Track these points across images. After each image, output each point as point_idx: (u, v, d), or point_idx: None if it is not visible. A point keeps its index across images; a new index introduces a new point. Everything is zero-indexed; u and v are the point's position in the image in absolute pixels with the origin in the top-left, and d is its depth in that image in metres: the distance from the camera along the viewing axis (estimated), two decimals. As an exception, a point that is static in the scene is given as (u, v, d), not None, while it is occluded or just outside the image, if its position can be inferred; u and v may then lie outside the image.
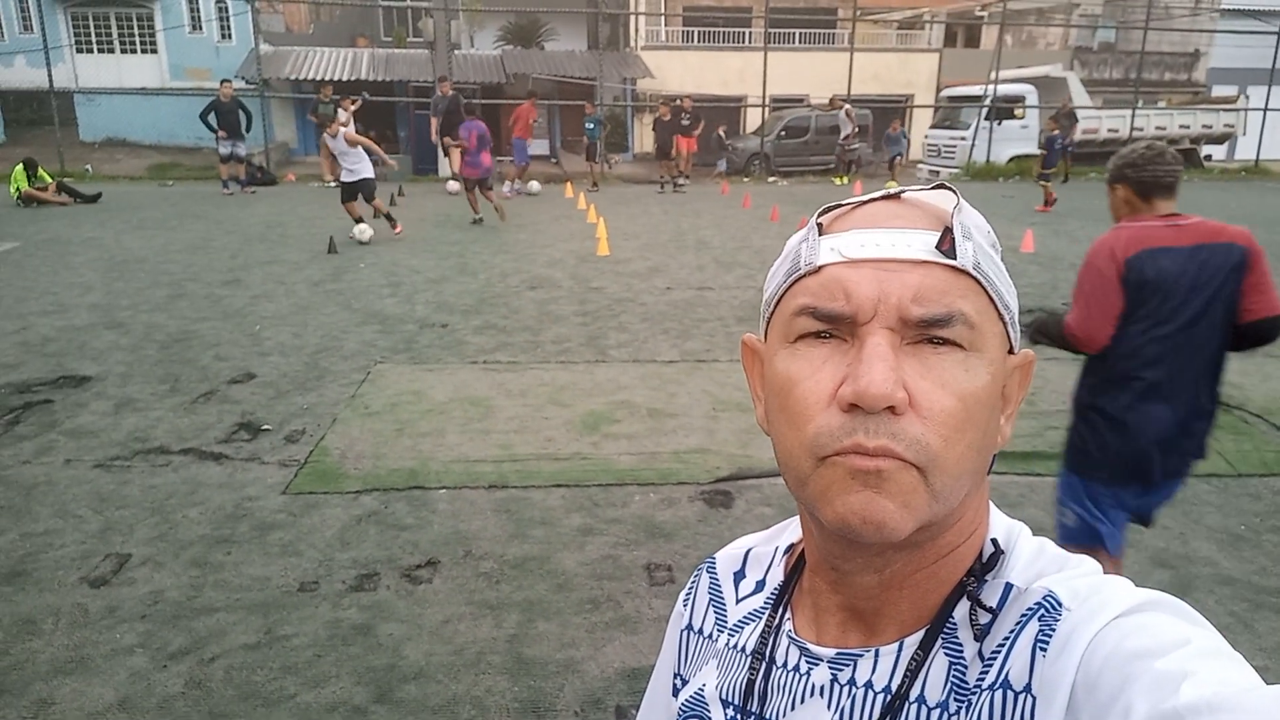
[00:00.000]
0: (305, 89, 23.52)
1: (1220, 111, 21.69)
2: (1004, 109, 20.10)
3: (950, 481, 0.58)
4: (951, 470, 0.58)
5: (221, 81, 17.47)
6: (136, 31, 28.59)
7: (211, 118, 16.05)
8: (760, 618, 0.75)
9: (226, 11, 27.55)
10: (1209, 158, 21.78)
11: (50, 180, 14.09)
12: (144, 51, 28.72)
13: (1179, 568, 3.75)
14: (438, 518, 4.13)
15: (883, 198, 0.64)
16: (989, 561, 0.65)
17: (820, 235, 0.63)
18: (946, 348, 0.59)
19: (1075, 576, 0.61)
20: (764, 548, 0.81)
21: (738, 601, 0.79)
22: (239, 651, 3.14)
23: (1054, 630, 0.57)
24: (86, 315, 7.45)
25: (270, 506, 4.22)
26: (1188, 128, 20.86)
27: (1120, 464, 2.89)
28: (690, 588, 0.85)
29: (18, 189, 13.76)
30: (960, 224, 0.60)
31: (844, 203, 0.65)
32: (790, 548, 0.79)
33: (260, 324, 7.28)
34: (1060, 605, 0.58)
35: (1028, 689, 0.57)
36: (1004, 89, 20.46)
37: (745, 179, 21.17)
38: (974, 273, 0.60)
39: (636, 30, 27.95)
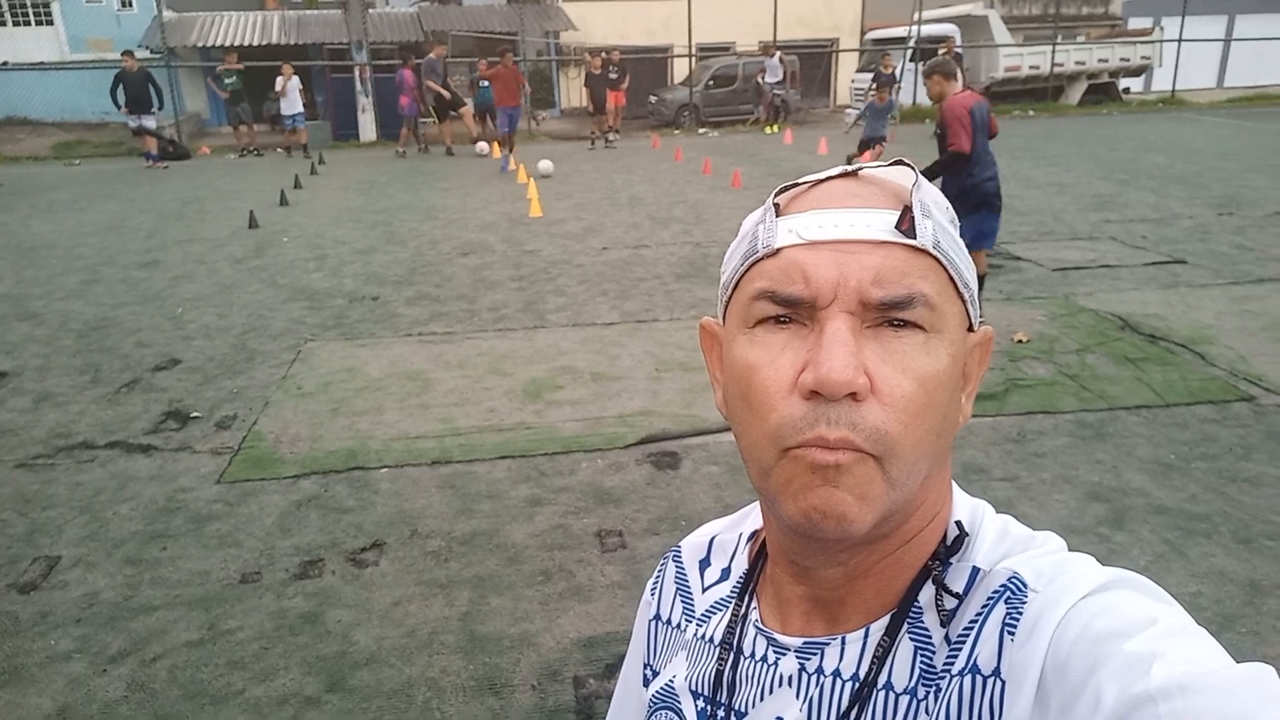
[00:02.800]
0: (213, 56, 22.56)
1: (1136, 44, 22.10)
2: (928, 50, 20.18)
3: (907, 469, 0.57)
4: (908, 457, 0.57)
5: (123, 53, 16.70)
6: (29, 3, 27.07)
7: (120, 92, 15.39)
8: (726, 607, 0.75)
9: (125, -23, 26.24)
10: (1127, 90, 22.21)
11: None
12: (39, 23, 27.24)
13: (1112, 500, 3.85)
14: (380, 498, 4.05)
15: (839, 175, 0.63)
16: (953, 544, 0.64)
17: (777, 216, 0.61)
18: (907, 330, 0.57)
19: (1039, 556, 0.61)
20: (728, 535, 0.81)
21: (704, 590, 0.79)
22: (182, 649, 3.06)
23: (1021, 613, 0.56)
24: (-4, 306, 7.11)
25: (205, 497, 4.10)
26: (1106, 61, 21.22)
27: (996, 200, 6.02)
28: (657, 577, 0.84)
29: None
30: (919, 202, 0.59)
31: (800, 181, 0.64)
32: (754, 534, 0.78)
33: (182, 306, 7.03)
34: (1026, 586, 0.58)
35: (996, 673, 0.56)
36: (927, 29, 20.53)
37: (676, 131, 21.00)
38: (934, 252, 0.58)
39: (557, -18, 27.29)
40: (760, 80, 20.56)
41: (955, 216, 0.64)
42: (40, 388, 5.43)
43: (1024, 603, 0.57)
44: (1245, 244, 8.15)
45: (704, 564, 0.81)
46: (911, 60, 20.40)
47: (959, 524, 0.65)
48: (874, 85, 14.28)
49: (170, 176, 14.60)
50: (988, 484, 4.03)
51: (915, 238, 0.58)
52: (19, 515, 3.97)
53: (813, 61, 25.73)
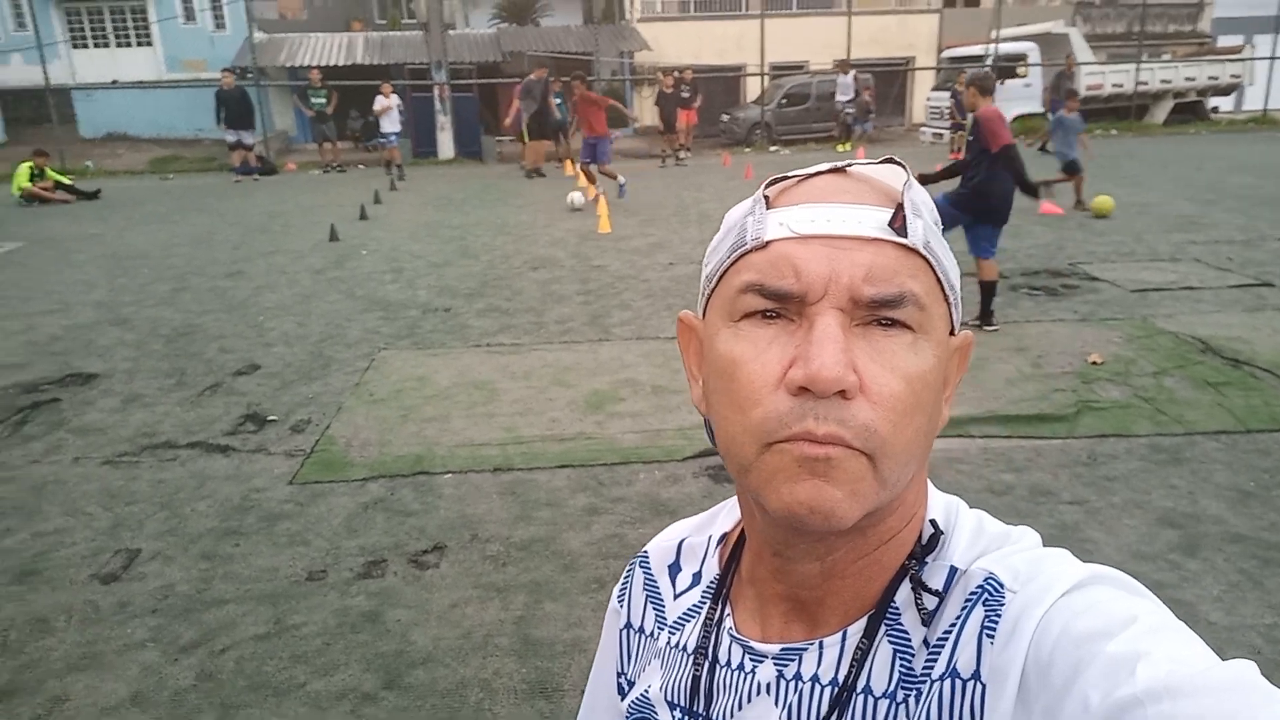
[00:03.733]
0: (301, 76, 23.37)
1: (1226, 62, 21.38)
2: (1006, 68, 19.84)
3: (898, 468, 0.57)
4: (900, 456, 0.57)
5: (223, 71, 17.45)
6: (131, 24, 28.48)
7: (221, 109, 16.13)
8: (699, 614, 0.74)
9: (219, 1, 27.38)
10: (1215, 109, 21.48)
11: (53, 177, 14.09)
12: (139, 44, 28.64)
13: (1186, 527, 3.73)
14: (444, 502, 4.14)
15: (830, 170, 0.62)
16: (929, 543, 0.64)
17: (767, 209, 0.60)
18: (896, 329, 0.57)
19: (1014, 553, 0.60)
20: (697, 538, 0.79)
21: (675, 597, 0.77)
22: (249, 642, 3.17)
23: (1000, 615, 0.56)
24: (91, 313, 7.47)
25: (277, 497, 4.24)
26: (1193, 80, 20.58)
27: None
28: (624, 584, 0.83)
29: (20, 188, 13.77)
30: (910, 201, 0.58)
31: (790, 174, 0.63)
32: (724, 536, 0.76)
33: (264, 315, 7.29)
34: (1003, 587, 0.58)
35: (976, 675, 0.56)
36: (1005, 48, 20.20)
37: (747, 149, 21.01)
38: (924, 252, 0.58)
39: (632, 2, 27.66)
40: (839, 99, 20.45)
41: (940, 219, 0.63)
42: (129, 389, 5.69)
43: (1002, 604, 0.57)
44: (1339, 267, 7.81)
45: (674, 569, 0.79)
46: (989, 78, 20.06)
47: (934, 523, 0.65)
48: (1058, 96, 14.24)
49: (257, 191, 15.17)
50: (1055, 507, 3.94)
51: (907, 236, 0.57)
52: (104, 509, 4.17)
53: (888, 80, 25.54)
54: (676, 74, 17.80)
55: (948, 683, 0.57)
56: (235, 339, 6.67)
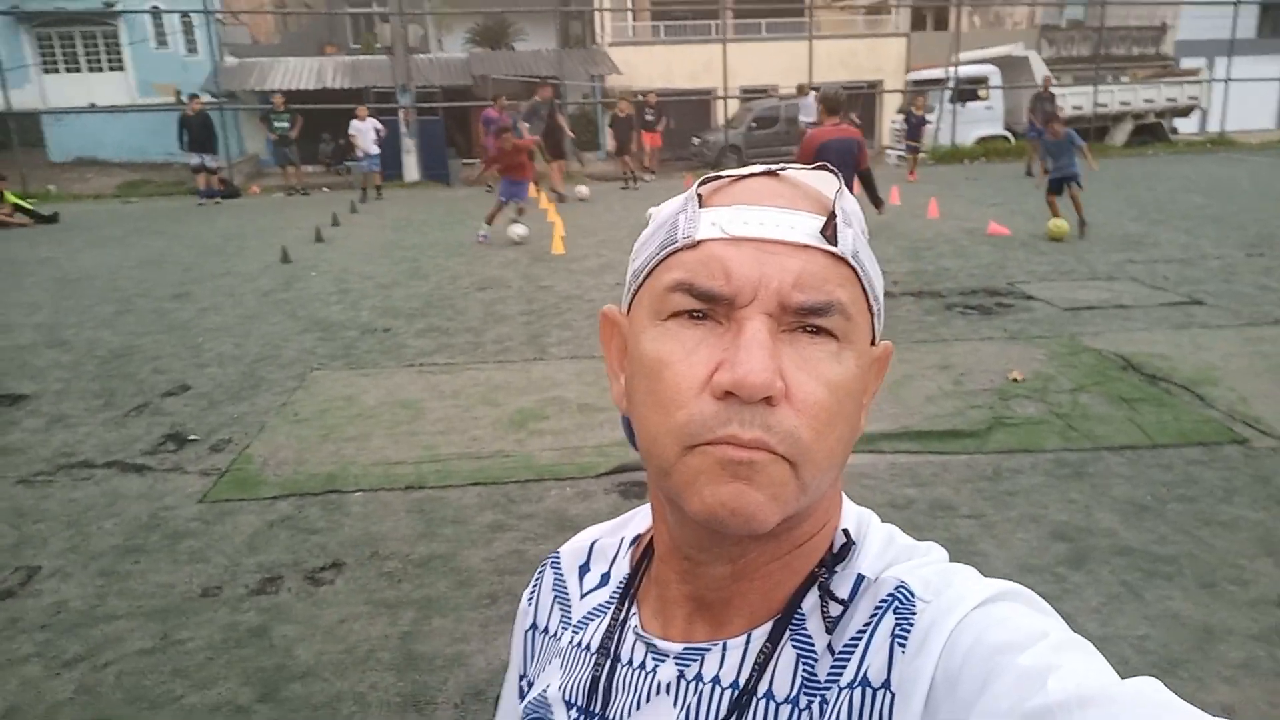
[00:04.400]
0: (270, 100, 23.42)
1: (1183, 84, 21.79)
2: (967, 91, 20.15)
3: (819, 474, 0.58)
4: (821, 463, 0.57)
5: (190, 96, 17.50)
6: (103, 49, 28.49)
7: (184, 133, 16.16)
8: (605, 613, 0.73)
9: (191, 26, 27.44)
10: (1174, 130, 21.85)
11: (11, 201, 14.06)
12: (111, 69, 28.64)
13: (1077, 540, 3.79)
14: (350, 520, 4.16)
15: (764, 173, 0.62)
16: (840, 552, 0.64)
17: (700, 207, 0.60)
18: (821, 337, 0.57)
19: (924, 565, 0.61)
20: (609, 539, 0.79)
21: (582, 596, 0.77)
22: (133, 657, 3.17)
23: (911, 624, 0.56)
24: (30, 334, 7.46)
25: (185, 515, 4.24)
26: (1152, 101, 20.96)
27: None
28: (534, 585, 0.82)
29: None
30: (841, 209, 0.59)
31: (723, 174, 0.62)
32: (637, 539, 0.76)
33: (203, 336, 7.30)
34: (913, 596, 0.58)
35: (886, 685, 0.56)
36: (967, 70, 20.51)
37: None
38: (852, 262, 0.59)
39: (603, 27, 27.93)
40: (802, 120, 20.67)
41: (866, 227, 0.64)
42: (56, 410, 5.68)
43: (914, 613, 0.57)
44: (1271, 284, 7.96)
45: (583, 569, 0.79)
46: (950, 101, 20.35)
47: (845, 532, 0.65)
48: (1034, 118, 14.50)
49: (218, 214, 15.17)
50: (952, 521, 3.99)
51: (837, 245, 0.58)
52: (11, 528, 4.16)
53: (855, 104, 25.84)
54: (640, 97, 17.96)
55: (857, 691, 0.57)
56: (170, 359, 6.66)
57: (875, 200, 7.62)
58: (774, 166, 0.62)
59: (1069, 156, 10.48)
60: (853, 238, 0.59)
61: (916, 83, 22.19)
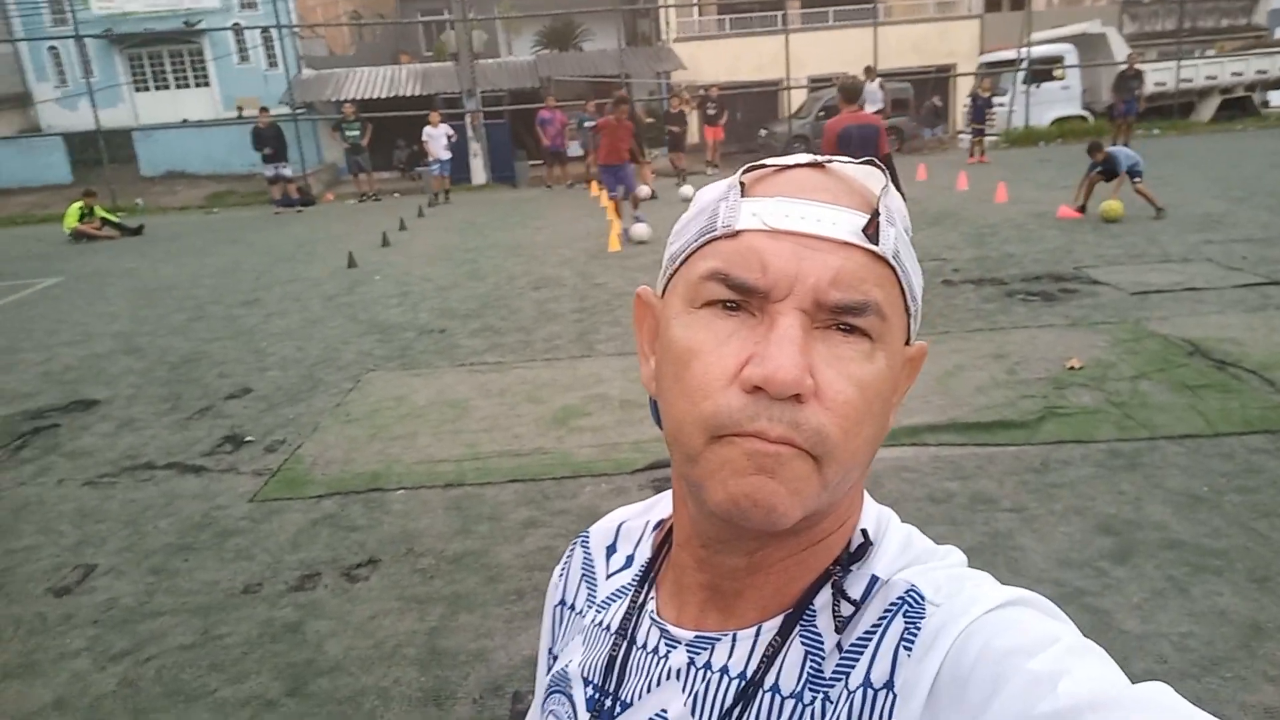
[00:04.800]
0: (342, 110, 24.05)
1: (1276, 55, 20.66)
2: (1041, 71, 19.49)
3: (843, 473, 0.58)
4: (846, 462, 0.57)
5: (260, 109, 18.13)
6: (189, 67, 29.71)
7: (259, 145, 16.79)
8: (626, 595, 0.74)
9: (271, 41, 28.37)
10: (1265, 104, 20.70)
11: (100, 215, 14.75)
12: (197, 85, 29.86)
13: (1123, 533, 3.63)
14: (390, 517, 4.25)
15: (809, 164, 0.61)
16: (856, 551, 0.64)
17: (742, 196, 0.59)
18: (855, 336, 0.57)
19: (937, 569, 0.61)
20: (635, 521, 0.80)
21: (608, 576, 0.78)
22: (174, 652, 3.30)
23: (920, 628, 0.56)
24: (109, 343, 7.82)
25: (235, 514, 4.40)
26: (1240, 75, 19.95)
27: None
28: (565, 562, 0.84)
29: (70, 227, 14.46)
30: (886, 207, 0.58)
31: (768, 163, 0.62)
32: (660, 523, 0.77)
33: (267, 340, 7.55)
34: (923, 599, 0.58)
35: (889, 686, 0.56)
36: (1041, 50, 19.84)
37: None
38: (893, 262, 0.58)
39: (668, 23, 27.90)
40: (867, 108, 20.31)
41: (910, 226, 0.63)
42: (126, 414, 5.95)
43: (922, 616, 0.57)
44: (1360, 263, 7.51)
45: (610, 550, 0.80)
46: (1025, 83, 19.72)
47: (864, 532, 0.65)
48: (1118, 96, 14.72)
49: (292, 222, 15.67)
50: (992, 515, 3.88)
51: (879, 244, 0.57)
52: (73, 527, 4.37)
53: (927, 88, 25.26)
54: (702, 92, 17.88)
55: (860, 692, 0.57)
56: (235, 364, 6.91)
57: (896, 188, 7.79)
58: (821, 158, 0.61)
59: (1117, 169, 10.30)
60: (895, 237, 0.58)
61: (989, 65, 21.56)
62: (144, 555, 4.05)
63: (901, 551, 0.64)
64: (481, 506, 4.30)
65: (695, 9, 30.06)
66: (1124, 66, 17.31)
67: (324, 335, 7.59)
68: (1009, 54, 20.73)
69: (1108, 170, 10.27)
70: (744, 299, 0.57)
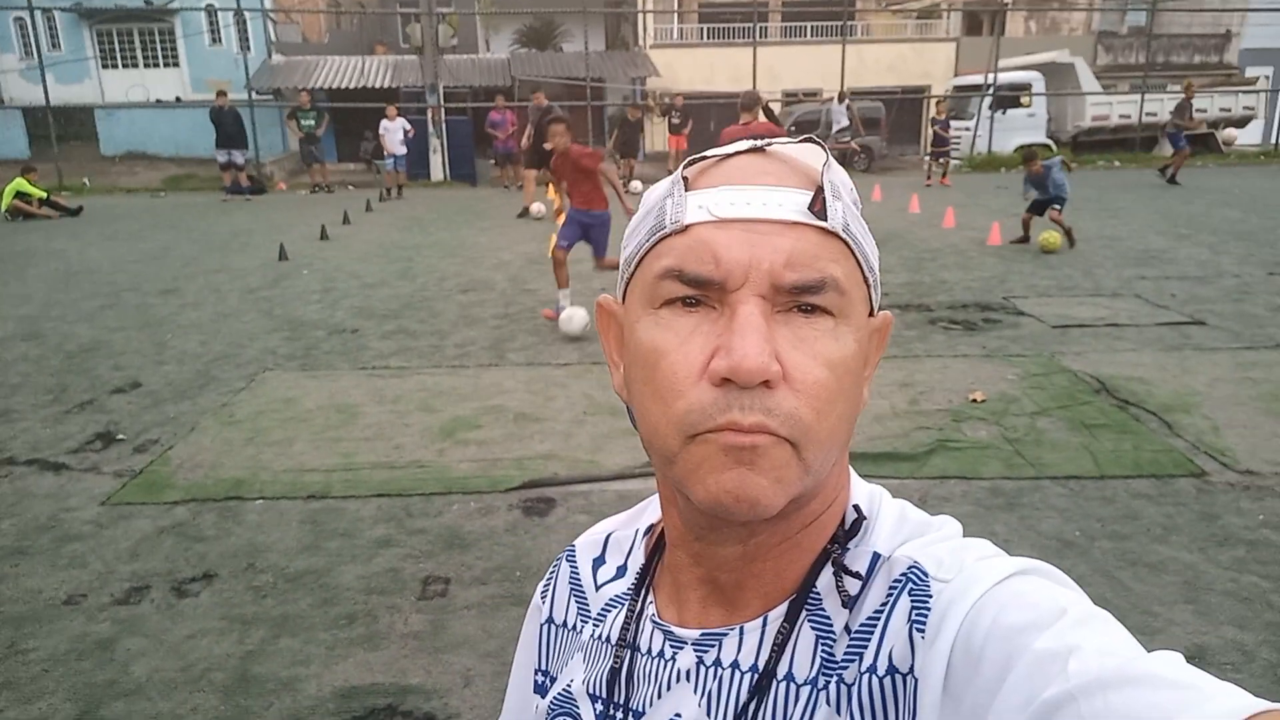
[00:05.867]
0: (318, 97, 23.75)
1: (1239, 93, 20.87)
2: (1009, 97, 19.57)
3: (822, 454, 0.57)
4: (824, 443, 0.57)
5: (217, 91, 17.81)
6: (159, 46, 29.29)
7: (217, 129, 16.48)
8: (623, 604, 0.73)
9: (245, 23, 28.01)
10: (1228, 143, 20.88)
11: (34, 193, 14.36)
12: (166, 65, 29.44)
13: (983, 578, 3.53)
14: (241, 529, 4.07)
15: (749, 150, 0.60)
16: (852, 528, 0.63)
17: (686, 190, 0.59)
18: (817, 315, 0.57)
19: (936, 541, 0.60)
20: (624, 531, 0.78)
21: (598, 589, 0.76)
22: (-30, 667, 3.11)
23: (929, 607, 0.55)
24: (10, 327, 7.56)
25: (83, 518, 4.20)
26: (1204, 111, 20.09)
27: None
28: (549, 579, 0.82)
29: (7, 205, 14.11)
30: (829, 182, 0.58)
31: (709, 154, 0.61)
32: (650, 528, 0.76)
33: (172, 332, 7.32)
34: (927, 576, 0.57)
35: (912, 671, 0.55)
36: (1009, 77, 19.93)
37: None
38: (844, 235, 0.58)
39: (645, 29, 27.82)
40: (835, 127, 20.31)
41: (859, 198, 0.62)
42: (4, 404, 5.71)
43: (929, 595, 0.56)
44: (1285, 306, 7.50)
45: (598, 562, 0.78)
46: (990, 109, 19.78)
47: (857, 508, 0.64)
48: (1175, 121, 14.95)
49: (238, 210, 15.38)
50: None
51: (827, 220, 0.57)
52: (-92, 524, 4.16)
53: (901, 109, 25.33)
54: (667, 100, 17.78)
55: (879, 676, 0.57)
56: (132, 355, 6.69)
57: None
58: (760, 142, 0.61)
59: (1047, 186, 10.34)
60: (843, 210, 0.58)
61: (959, 89, 21.63)
62: (-27, 557, 3.84)
63: (898, 526, 0.63)
64: (338, 521, 4.12)
65: (675, 16, 30.03)
66: (1181, 96, 16.98)
67: (232, 330, 7.38)
68: (977, 79, 20.80)
69: (1038, 188, 10.44)
70: (701, 293, 0.57)
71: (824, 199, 0.57)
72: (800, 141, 0.61)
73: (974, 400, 5.42)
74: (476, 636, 3.26)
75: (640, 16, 27.90)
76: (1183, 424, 5.02)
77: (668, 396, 0.57)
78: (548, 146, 8.07)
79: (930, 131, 16.33)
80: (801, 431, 0.55)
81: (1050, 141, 20.24)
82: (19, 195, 14.05)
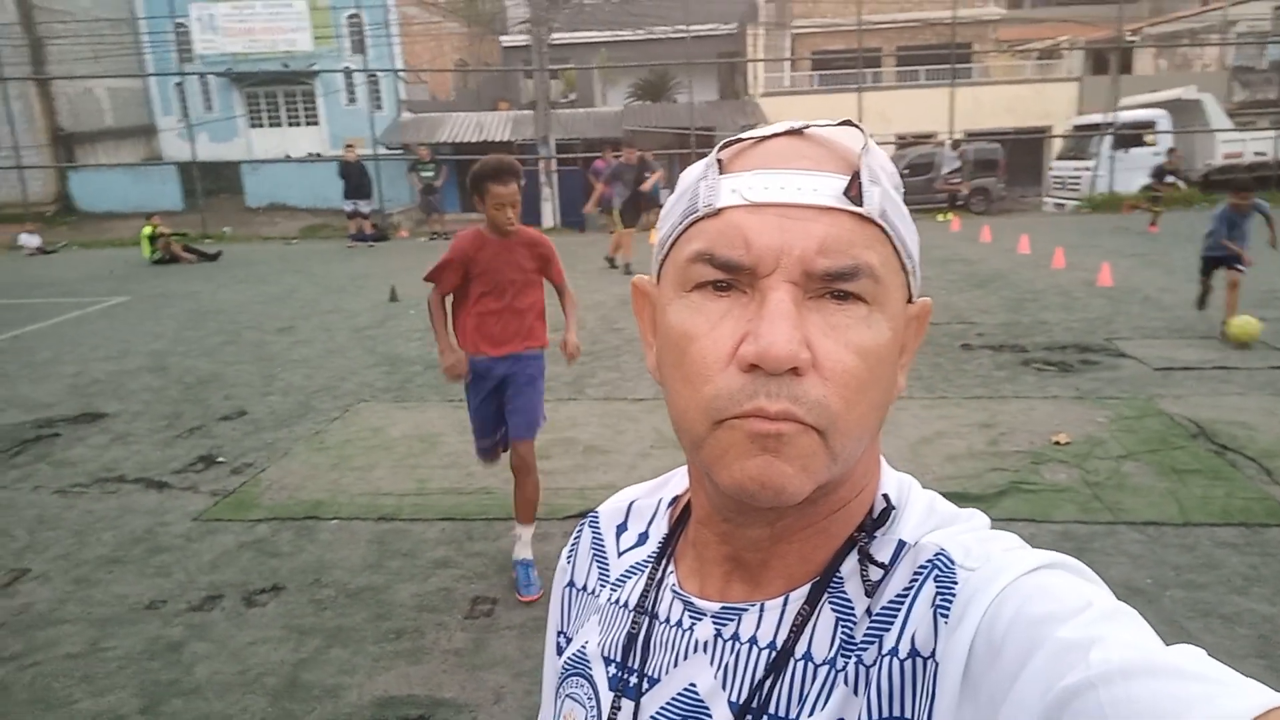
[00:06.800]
0: (443, 151, 24.89)
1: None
2: (1131, 136, 18.80)
3: (850, 443, 0.57)
4: (852, 432, 0.57)
5: (345, 145, 18.95)
6: (301, 106, 31.41)
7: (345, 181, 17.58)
8: (643, 571, 0.74)
9: (378, 84, 29.71)
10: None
11: (168, 238, 15.53)
12: (308, 124, 31.53)
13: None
14: (314, 546, 4.29)
15: (786, 133, 0.60)
16: (880, 517, 0.63)
17: (720, 174, 0.59)
18: (850, 302, 0.56)
19: (964, 531, 0.60)
20: (647, 500, 0.79)
21: (620, 555, 0.77)
22: (58, 660, 3.39)
23: (954, 594, 0.55)
24: (140, 360, 8.20)
25: (175, 532, 4.51)
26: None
27: None
28: (573, 544, 0.83)
29: (152, 250, 15.33)
30: (867, 167, 0.57)
31: (745, 137, 0.61)
32: (675, 499, 0.77)
33: (283, 367, 7.78)
34: (954, 564, 0.57)
35: (934, 655, 0.55)
36: (1131, 115, 19.16)
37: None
38: (880, 221, 0.57)
39: (755, 78, 28.09)
40: (944, 171, 19.95)
41: (900, 183, 0.62)
42: (125, 429, 6.20)
43: (955, 582, 0.56)
44: None
45: (621, 528, 0.79)
46: (1113, 148, 19.04)
47: (886, 497, 0.64)
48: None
49: (361, 256, 16.22)
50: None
51: (862, 205, 0.56)
52: (26, 532, 4.56)
53: (1021, 149, 24.66)
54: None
55: (900, 659, 0.57)
56: (243, 387, 7.15)
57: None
58: (799, 124, 0.61)
59: (1244, 232, 8.00)
60: (880, 196, 0.57)
61: (1079, 128, 20.92)
62: (76, 564, 4.18)
63: (926, 516, 0.63)
64: (403, 542, 4.30)
65: (787, 65, 30.23)
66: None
67: (336, 365, 7.79)
68: (1098, 118, 20.09)
69: (1230, 231, 7.95)
70: (732, 277, 0.56)
71: (860, 184, 0.56)
72: (840, 124, 0.60)
73: (1057, 443, 5.21)
74: (514, 656, 3.34)
75: (751, 66, 28.20)
76: (1284, 471, 4.70)
77: (696, 381, 0.56)
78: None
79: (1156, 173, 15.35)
80: (829, 420, 0.55)
81: (1177, 180, 19.32)
82: (154, 238, 15.24)
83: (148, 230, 15.42)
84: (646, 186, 12.67)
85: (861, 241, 0.56)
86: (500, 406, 3.98)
